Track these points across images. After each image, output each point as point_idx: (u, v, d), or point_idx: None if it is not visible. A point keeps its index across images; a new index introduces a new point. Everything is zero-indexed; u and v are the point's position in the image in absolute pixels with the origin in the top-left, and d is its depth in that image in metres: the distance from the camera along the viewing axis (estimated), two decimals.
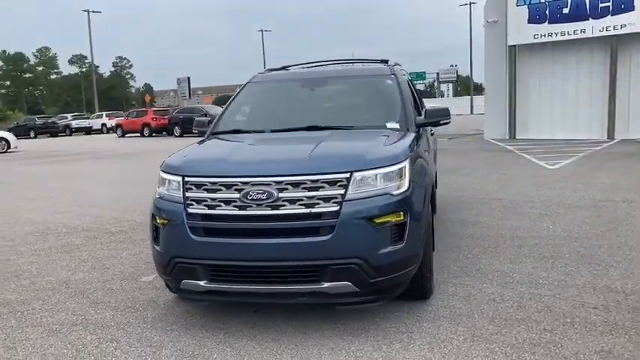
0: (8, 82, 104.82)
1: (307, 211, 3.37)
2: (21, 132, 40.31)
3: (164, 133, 33.90)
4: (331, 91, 5.17)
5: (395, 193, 3.52)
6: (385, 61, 5.59)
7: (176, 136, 31.75)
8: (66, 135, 43.16)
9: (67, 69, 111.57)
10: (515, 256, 5.07)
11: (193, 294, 3.69)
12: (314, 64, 5.84)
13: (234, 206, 3.44)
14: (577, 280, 4.37)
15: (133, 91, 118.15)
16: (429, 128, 6.11)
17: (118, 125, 37.52)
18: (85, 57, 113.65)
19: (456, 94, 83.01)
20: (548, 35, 17.16)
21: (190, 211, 3.54)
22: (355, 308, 3.78)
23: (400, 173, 3.61)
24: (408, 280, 3.72)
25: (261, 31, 73.13)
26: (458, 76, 67.47)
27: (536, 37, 17.37)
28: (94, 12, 54.82)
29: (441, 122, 4.78)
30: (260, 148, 4.20)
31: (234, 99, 5.26)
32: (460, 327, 3.59)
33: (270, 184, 3.42)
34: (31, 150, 25.66)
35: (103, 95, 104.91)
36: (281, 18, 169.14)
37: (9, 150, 24.24)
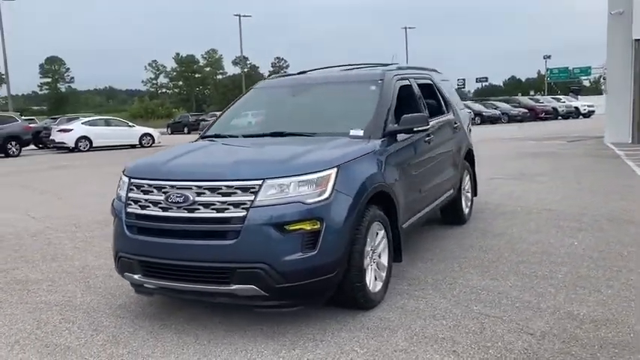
0: (181, 82, 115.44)
1: (217, 215, 3.55)
2: (177, 128, 44.24)
3: None
4: (313, 97, 5.24)
5: (309, 201, 3.56)
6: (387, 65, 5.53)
7: None
8: None
9: (231, 69, 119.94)
10: (505, 272, 4.78)
11: (136, 286, 4.03)
12: (319, 70, 5.91)
13: (159, 207, 3.71)
14: (544, 303, 4.05)
15: None
16: (448, 130, 5.96)
17: None
18: (247, 58, 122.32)
19: None
20: None
21: (128, 210, 3.87)
22: (274, 312, 3.86)
23: (319, 182, 3.63)
24: (330, 288, 3.74)
25: (405, 28, 72.65)
26: None
27: None
28: (244, 16, 58.30)
29: (415, 129, 4.64)
30: (206, 152, 4.43)
31: (232, 104, 5.54)
32: (373, 341, 3.55)
33: (190, 188, 3.64)
34: (172, 143, 28.20)
35: None
36: (427, 14, 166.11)
37: (153, 144, 26.94)
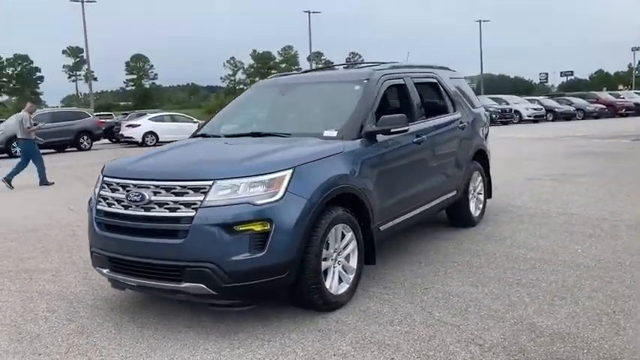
0: (257, 79, 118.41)
1: (169, 214, 3.66)
2: None
3: None
4: (298, 97, 5.26)
5: (259, 202, 3.60)
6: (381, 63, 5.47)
7: None
8: None
9: (306, 65, 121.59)
10: (487, 279, 4.63)
11: (112, 280, 4.19)
12: (320, 69, 5.91)
13: (122, 205, 3.87)
14: (511, 313, 3.90)
15: None
16: (450, 129, 5.82)
17: None
18: (322, 54, 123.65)
19: None
20: None
21: (98, 207, 4.06)
22: (227, 310, 3.93)
23: (270, 183, 3.66)
24: (282, 289, 3.77)
25: (479, 21, 70.74)
26: None
27: None
28: (314, 12, 58.80)
29: (392, 130, 4.56)
30: (176, 152, 4.53)
31: (229, 103, 5.65)
32: (318, 344, 3.56)
33: (148, 187, 3.77)
34: None
35: None
36: (509, 5, 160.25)
37: None
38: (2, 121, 26.39)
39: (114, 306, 4.41)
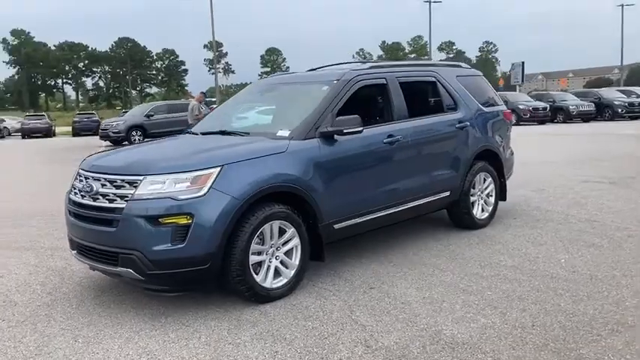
0: None
1: (108, 205, 4.09)
2: None
3: None
4: (274, 97, 5.46)
5: (181, 197, 3.91)
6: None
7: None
8: None
9: (436, 55, 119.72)
10: (439, 283, 4.58)
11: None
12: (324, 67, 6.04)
13: (80, 195, 4.36)
14: (428, 320, 3.88)
15: (499, 75, 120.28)
16: (442, 129, 5.76)
17: None
18: (453, 43, 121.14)
19: None
20: None
21: (70, 196, 4.59)
22: (161, 295, 4.29)
23: (194, 180, 3.96)
24: (206, 278, 4.05)
25: (621, 6, 64.94)
26: None
27: None
28: (434, 2, 57.58)
29: (345, 131, 4.63)
30: (139, 149, 4.94)
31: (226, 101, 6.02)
32: (225, 332, 3.81)
33: (99, 180, 4.23)
34: None
35: None
36: None
37: None
38: (126, 111, 29.04)
39: (92, 284, 4.93)
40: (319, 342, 3.58)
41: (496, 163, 6.45)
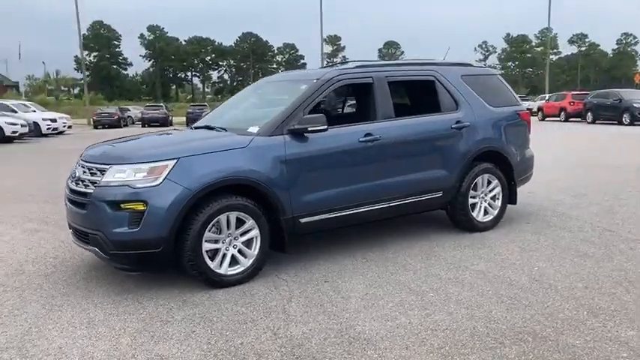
0: (510, 63, 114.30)
1: (84, 190, 4.62)
2: None
3: (579, 118, 32.03)
4: (262, 95, 5.73)
5: (138, 186, 4.35)
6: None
7: (588, 123, 29.62)
8: None
9: (567, 49, 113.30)
10: (387, 282, 4.65)
11: None
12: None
13: (73, 182, 4.93)
14: (338, 316, 4.00)
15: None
16: (435, 129, 5.76)
17: (540, 108, 37.39)
18: (586, 35, 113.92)
19: None
20: None
21: (68, 182, 5.20)
22: (124, 274, 4.78)
23: (151, 171, 4.37)
24: (161, 260, 4.45)
25: None
26: None
27: None
28: None
29: (310, 129, 4.82)
30: (129, 141, 5.39)
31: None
32: (165, 314, 4.17)
33: (83, 167, 4.78)
34: None
35: (604, 75, 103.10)
36: None
37: None
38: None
39: (85, 264, 5.52)
40: (236, 326, 3.85)
41: (504, 166, 6.26)
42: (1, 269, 5.28)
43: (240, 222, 4.68)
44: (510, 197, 6.39)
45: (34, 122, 26.96)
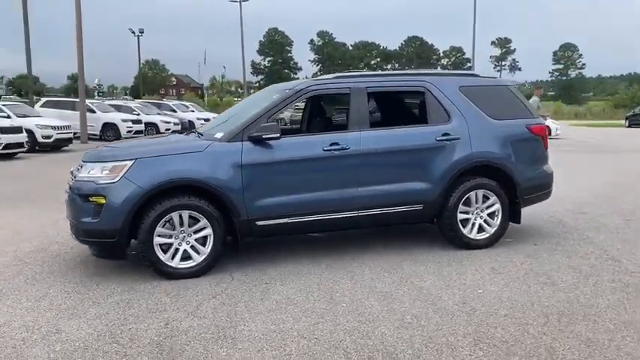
0: None
1: (69, 184, 5.35)
2: (636, 121, 39.24)
3: None
4: (250, 103, 6.04)
5: (100, 182, 4.98)
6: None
7: None
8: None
9: None
10: (324, 290, 4.73)
11: None
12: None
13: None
14: (247, 316, 4.21)
15: None
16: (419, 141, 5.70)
17: None
18: None
19: None
20: None
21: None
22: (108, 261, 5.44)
23: (113, 169, 4.97)
24: (118, 249, 5.01)
25: None
26: None
27: None
28: None
29: (264, 137, 5.07)
30: (125, 143, 6.00)
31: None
32: (118, 304, 4.67)
33: (79, 164, 5.54)
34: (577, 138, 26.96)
35: None
36: None
37: (550, 136, 26.22)
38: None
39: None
40: (148, 314, 4.24)
41: (505, 182, 5.88)
42: (28, 247, 6.26)
43: (195, 220, 5.08)
44: (513, 216, 5.98)
45: (189, 121, 29.94)
